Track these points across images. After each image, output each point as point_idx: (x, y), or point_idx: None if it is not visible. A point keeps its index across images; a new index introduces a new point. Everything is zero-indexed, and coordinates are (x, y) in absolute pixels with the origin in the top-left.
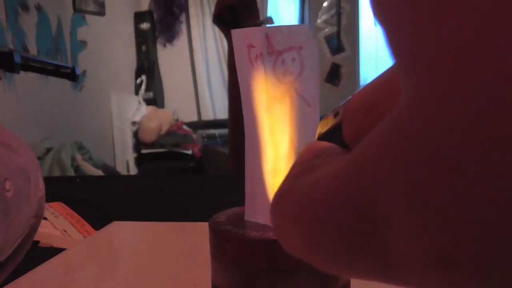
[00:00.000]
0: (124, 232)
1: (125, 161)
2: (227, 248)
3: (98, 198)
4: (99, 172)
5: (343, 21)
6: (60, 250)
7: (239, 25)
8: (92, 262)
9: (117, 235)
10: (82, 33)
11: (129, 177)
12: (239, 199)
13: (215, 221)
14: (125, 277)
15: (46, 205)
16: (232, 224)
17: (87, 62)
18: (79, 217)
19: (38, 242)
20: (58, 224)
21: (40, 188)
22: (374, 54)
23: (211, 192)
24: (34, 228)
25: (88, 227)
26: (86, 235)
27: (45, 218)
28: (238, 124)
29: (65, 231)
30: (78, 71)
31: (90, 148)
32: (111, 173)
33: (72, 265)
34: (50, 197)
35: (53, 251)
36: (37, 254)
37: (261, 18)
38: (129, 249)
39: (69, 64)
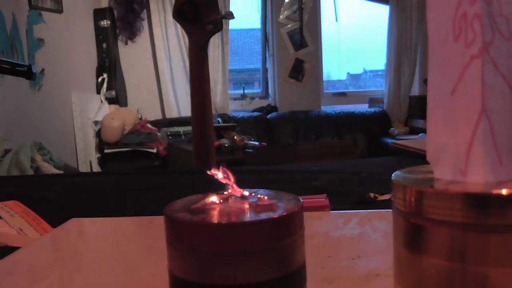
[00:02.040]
0: (82, 229)
1: (88, 162)
2: (181, 234)
3: (56, 196)
4: (60, 173)
5: (305, 17)
6: (16, 249)
7: (199, 20)
8: (48, 259)
9: (74, 232)
10: (39, 30)
11: (88, 174)
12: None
13: (170, 209)
14: (83, 272)
15: (1, 204)
16: (187, 211)
17: (45, 61)
18: (36, 215)
19: None
20: (13, 223)
21: None
22: (336, 49)
23: (175, 187)
24: None
25: (45, 225)
26: (43, 233)
27: (0, 218)
28: (201, 119)
29: (21, 229)
30: (35, 69)
31: (51, 149)
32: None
33: (27, 263)
34: (7, 196)
35: (8, 250)
36: None
37: (221, 12)
38: (87, 245)
39: (26, 63)
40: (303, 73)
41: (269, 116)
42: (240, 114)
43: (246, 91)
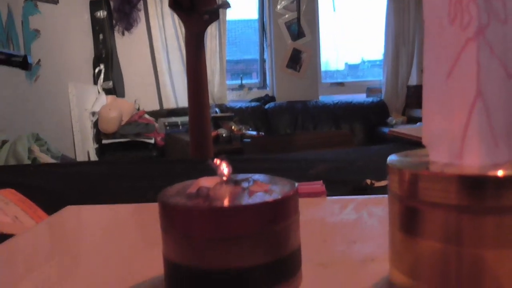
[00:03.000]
0: (78, 216)
1: (86, 152)
2: (175, 219)
3: (52, 184)
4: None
5: (303, 7)
6: (11, 236)
7: (196, 9)
8: (44, 247)
9: (70, 219)
10: (35, 21)
11: (84, 163)
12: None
13: (164, 195)
14: (79, 259)
15: None
16: (181, 197)
17: (42, 52)
18: (32, 203)
19: None
20: (8, 211)
21: None
22: (333, 39)
23: (171, 176)
24: None
25: (41, 212)
26: (39, 221)
27: None
28: (197, 109)
29: (16, 217)
30: (31, 59)
31: (49, 140)
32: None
33: (23, 250)
34: (3, 185)
35: (3, 238)
36: None
37: (218, 2)
38: (83, 232)
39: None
40: (301, 63)
41: (266, 106)
42: (238, 105)
43: (244, 82)
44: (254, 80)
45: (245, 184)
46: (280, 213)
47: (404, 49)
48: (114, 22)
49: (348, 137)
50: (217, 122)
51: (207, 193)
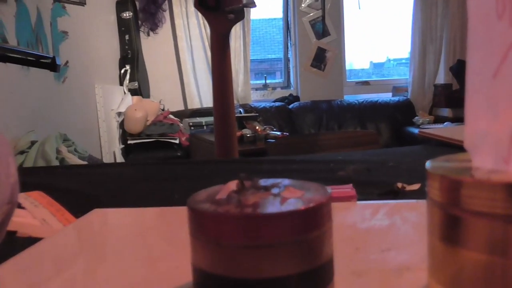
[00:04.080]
0: (105, 219)
1: (112, 153)
2: (205, 226)
3: (80, 186)
4: (85, 164)
5: (328, 5)
6: (39, 240)
7: (221, 9)
8: (72, 250)
9: (98, 222)
10: (63, 23)
11: (110, 165)
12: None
13: (194, 200)
14: (106, 263)
15: (25, 194)
16: (211, 202)
17: (69, 53)
18: (60, 206)
19: (15, 232)
20: (37, 214)
21: (12, 173)
22: (359, 37)
23: (197, 177)
24: (7, 215)
25: (68, 215)
26: (67, 224)
27: (24, 208)
28: (222, 109)
29: (44, 220)
30: (59, 61)
31: (76, 140)
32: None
33: (51, 253)
34: (32, 187)
35: (31, 241)
36: (14, 244)
37: (243, 1)
38: (110, 236)
39: (50, 55)
40: (325, 62)
41: (291, 106)
42: (262, 104)
43: (268, 81)
44: (278, 79)
45: (275, 190)
46: (314, 221)
47: (431, 46)
48: (139, 22)
49: (374, 137)
50: (241, 122)
51: (238, 199)
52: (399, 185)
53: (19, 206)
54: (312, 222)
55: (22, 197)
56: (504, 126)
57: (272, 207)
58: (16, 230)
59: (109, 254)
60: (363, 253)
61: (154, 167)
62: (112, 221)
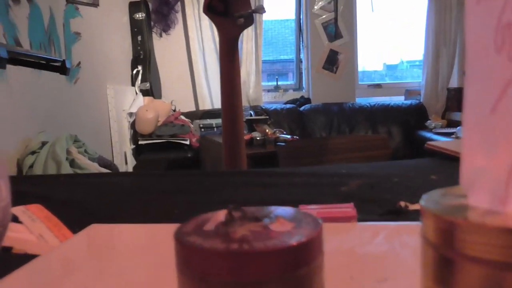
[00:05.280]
0: (102, 236)
1: (123, 153)
2: (191, 261)
3: (81, 198)
4: (95, 165)
5: (340, 8)
6: (35, 257)
7: (230, 14)
8: (66, 268)
9: (94, 239)
10: (76, 24)
11: (114, 174)
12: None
13: (180, 231)
14: (100, 282)
15: (24, 207)
16: (198, 235)
17: (82, 54)
18: (57, 220)
19: (11, 248)
20: (34, 229)
21: (4, 197)
22: (371, 40)
23: (198, 190)
24: None
25: (66, 231)
26: (63, 240)
27: (21, 222)
28: (231, 113)
29: (41, 235)
30: (69, 64)
31: (87, 141)
32: (107, 166)
33: (45, 272)
34: (32, 197)
35: (27, 258)
36: (10, 262)
37: (252, 6)
38: (105, 253)
39: (61, 57)
40: (338, 64)
41: (302, 108)
42: (273, 106)
43: (280, 83)
44: (291, 81)
45: (266, 221)
46: (304, 257)
47: (445, 49)
48: (152, 23)
49: (385, 142)
50: (251, 125)
51: (226, 231)
52: (402, 204)
53: (17, 220)
54: (301, 258)
55: (20, 211)
56: (501, 164)
57: (261, 242)
58: (12, 245)
59: (104, 272)
60: (357, 282)
61: (155, 178)
62: (108, 237)
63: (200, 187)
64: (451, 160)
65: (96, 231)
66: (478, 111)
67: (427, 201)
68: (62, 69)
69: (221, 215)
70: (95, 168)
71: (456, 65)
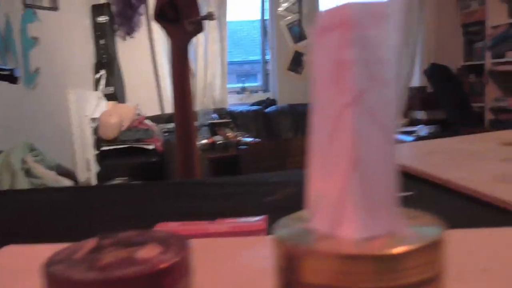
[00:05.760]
0: (18, 257)
1: (85, 159)
2: None
3: (8, 215)
4: (52, 174)
5: (304, 9)
6: None
7: (181, 21)
8: None
9: (7, 262)
10: (34, 29)
11: (54, 189)
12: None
13: (51, 259)
14: None
15: None
16: (66, 262)
17: (40, 59)
18: None
19: None
20: None
21: None
22: None
23: (131, 203)
24: None
25: None
26: None
27: None
28: (183, 121)
29: None
30: (18, 73)
31: (46, 149)
32: (66, 174)
33: None
34: None
35: None
36: None
37: (202, 14)
38: (19, 277)
39: (18, 64)
40: (303, 65)
41: (268, 109)
42: (239, 108)
43: (248, 84)
44: (259, 82)
45: (137, 246)
46: (164, 282)
47: (406, 50)
48: (116, 26)
49: None
50: (214, 129)
51: (92, 259)
52: None
53: None
54: (161, 284)
55: None
56: (335, 191)
57: (121, 270)
58: None
59: None
60: None
61: (98, 191)
62: (24, 259)
63: (131, 200)
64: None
65: (11, 252)
66: (320, 138)
67: (279, 224)
68: (11, 78)
69: (91, 243)
70: (52, 176)
71: (417, 65)
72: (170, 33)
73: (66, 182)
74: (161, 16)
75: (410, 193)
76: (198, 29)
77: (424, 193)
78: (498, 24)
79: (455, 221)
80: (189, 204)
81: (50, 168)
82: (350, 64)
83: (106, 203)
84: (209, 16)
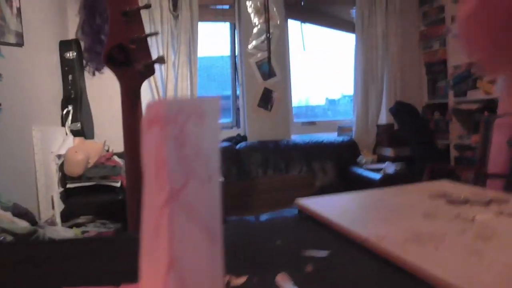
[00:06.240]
0: None
1: (50, 197)
2: None
3: None
4: (7, 215)
5: (273, 47)
6: None
7: (130, 65)
8: None
9: None
10: None
11: (11, 244)
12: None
13: None
14: None
15: None
16: None
17: (2, 95)
18: None
19: None
20: None
21: None
22: (303, 78)
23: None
24: None
25: None
26: None
27: None
28: (133, 169)
29: None
30: None
31: (6, 187)
32: (22, 215)
33: None
34: None
35: None
36: None
37: (153, 57)
38: None
39: None
40: (272, 102)
41: (238, 146)
42: None
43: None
44: (229, 118)
45: None
46: None
47: (373, 87)
48: (84, 62)
49: (309, 180)
50: None
51: None
52: (226, 277)
53: None
54: None
55: None
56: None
57: None
58: None
59: None
60: None
61: (51, 247)
62: None
63: (38, 259)
64: (319, 225)
65: None
66: (147, 233)
67: None
68: None
69: None
70: (7, 217)
71: (384, 103)
72: (120, 77)
73: (22, 223)
74: (110, 60)
75: (324, 253)
76: (149, 72)
77: (340, 252)
78: (458, 64)
79: (363, 286)
80: (88, 263)
81: (4, 209)
82: (165, 162)
83: (58, 259)
84: (160, 60)
